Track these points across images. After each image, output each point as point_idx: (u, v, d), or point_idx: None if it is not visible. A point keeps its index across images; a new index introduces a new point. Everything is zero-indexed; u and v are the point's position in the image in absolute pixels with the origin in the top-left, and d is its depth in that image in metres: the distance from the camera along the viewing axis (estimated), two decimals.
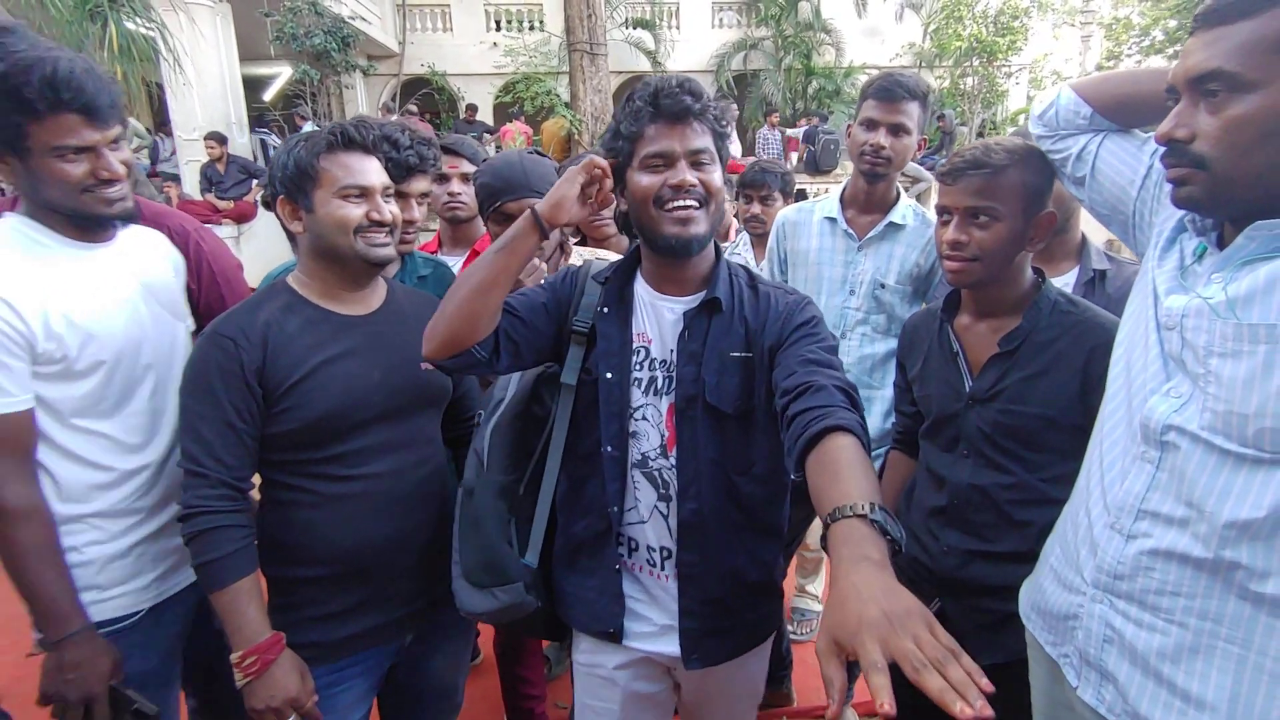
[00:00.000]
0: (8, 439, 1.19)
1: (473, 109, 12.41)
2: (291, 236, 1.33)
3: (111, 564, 1.31)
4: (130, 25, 6.27)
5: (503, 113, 13.39)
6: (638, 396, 1.25)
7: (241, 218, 8.35)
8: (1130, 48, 15.78)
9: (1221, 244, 0.94)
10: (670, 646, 1.29)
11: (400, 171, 1.54)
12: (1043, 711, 1.21)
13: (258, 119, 10.82)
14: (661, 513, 1.26)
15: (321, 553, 1.31)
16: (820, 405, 1.01)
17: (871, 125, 1.90)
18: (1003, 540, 1.34)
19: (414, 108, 11.61)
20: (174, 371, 1.36)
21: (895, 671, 0.65)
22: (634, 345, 1.26)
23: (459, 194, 2.11)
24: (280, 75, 13.75)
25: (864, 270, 2.00)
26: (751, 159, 11.60)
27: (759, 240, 2.77)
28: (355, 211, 1.28)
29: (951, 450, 1.39)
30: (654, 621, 1.30)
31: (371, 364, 1.32)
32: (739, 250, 2.87)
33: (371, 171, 1.31)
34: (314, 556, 1.31)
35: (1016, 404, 1.31)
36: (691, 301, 1.23)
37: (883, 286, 1.97)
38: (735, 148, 11.05)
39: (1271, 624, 0.85)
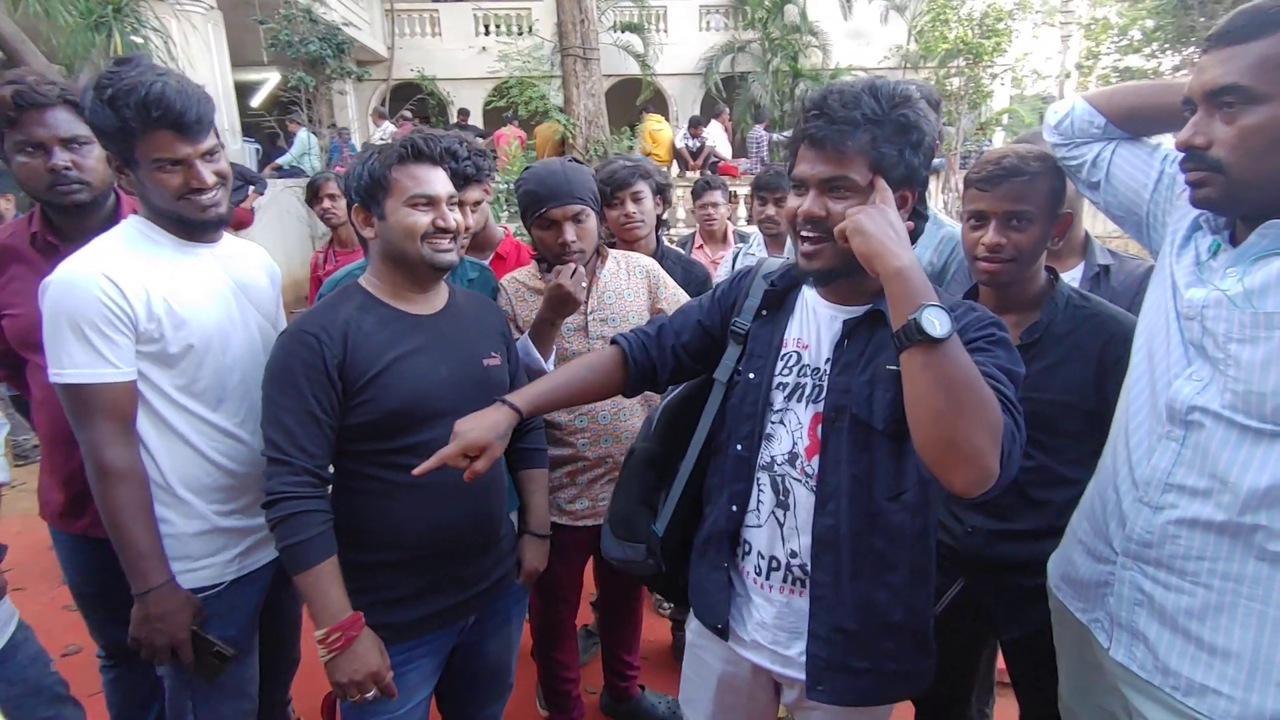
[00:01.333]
0: (112, 405, 1.31)
1: (464, 113, 12.35)
2: (364, 241, 1.41)
3: (201, 537, 1.44)
4: (135, 38, 6.29)
5: (495, 117, 13.37)
6: (779, 400, 1.23)
7: (239, 225, 8.29)
8: (1108, 47, 16.03)
9: (1234, 241, 1.03)
10: (768, 661, 1.26)
11: (458, 181, 1.61)
12: (1071, 674, 1.29)
13: (248, 126, 10.77)
14: (778, 520, 1.23)
15: (393, 538, 1.37)
16: None
17: None
18: (1024, 519, 1.42)
19: (408, 113, 11.57)
20: (261, 363, 1.44)
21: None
22: (785, 350, 1.25)
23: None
24: (268, 81, 13.68)
25: None
26: (742, 160, 11.53)
27: (774, 240, 2.86)
28: (423, 219, 1.35)
29: None
30: (746, 631, 1.28)
31: (439, 360, 1.38)
32: (753, 250, 2.95)
33: (438, 182, 1.38)
34: (386, 542, 1.37)
35: (1037, 392, 1.38)
36: (858, 311, 1.19)
37: None
38: (725, 149, 11.12)
39: None
